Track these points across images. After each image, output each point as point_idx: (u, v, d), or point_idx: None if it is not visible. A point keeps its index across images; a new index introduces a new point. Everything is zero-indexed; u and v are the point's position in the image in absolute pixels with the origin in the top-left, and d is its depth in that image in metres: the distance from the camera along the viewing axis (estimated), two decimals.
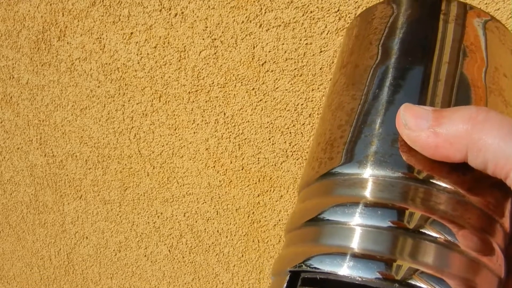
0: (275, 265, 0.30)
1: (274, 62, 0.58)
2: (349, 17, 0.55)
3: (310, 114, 0.58)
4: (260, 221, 0.63)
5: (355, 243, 0.25)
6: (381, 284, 0.24)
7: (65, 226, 0.75)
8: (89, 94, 0.67)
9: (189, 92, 0.62)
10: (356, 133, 0.29)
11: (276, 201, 0.62)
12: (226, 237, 0.65)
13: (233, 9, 0.58)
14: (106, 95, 0.66)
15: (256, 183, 0.62)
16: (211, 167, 0.64)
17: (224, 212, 0.65)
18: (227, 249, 0.66)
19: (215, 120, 0.62)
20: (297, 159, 0.60)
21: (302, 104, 0.58)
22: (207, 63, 0.61)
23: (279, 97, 0.59)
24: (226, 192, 0.64)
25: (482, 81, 0.30)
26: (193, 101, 0.62)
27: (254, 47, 0.59)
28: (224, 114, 0.61)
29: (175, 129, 0.64)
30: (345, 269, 0.25)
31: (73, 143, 0.70)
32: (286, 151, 0.60)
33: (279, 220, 0.63)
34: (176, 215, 0.67)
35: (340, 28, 0.56)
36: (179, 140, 0.64)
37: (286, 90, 0.58)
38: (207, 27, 0.60)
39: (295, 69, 0.58)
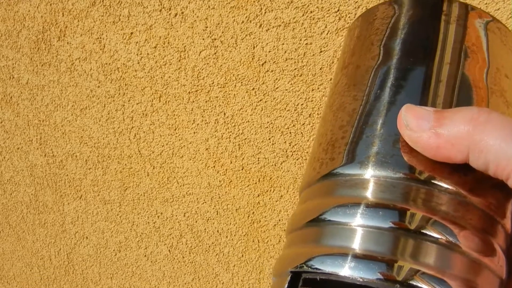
0: (276, 266, 0.30)
1: (274, 62, 0.58)
2: (349, 17, 0.55)
3: (310, 114, 0.58)
4: (260, 221, 0.63)
5: (356, 244, 0.25)
6: (382, 285, 0.24)
7: (65, 226, 0.75)
8: (89, 94, 0.67)
9: (189, 92, 0.62)
10: (357, 133, 0.29)
11: (276, 201, 0.62)
12: (226, 237, 0.65)
13: (233, 9, 0.58)
14: (106, 95, 0.66)
15: (256, 183, 0.62)
16: (211, 167, 0.64)
17: (224, 212, 0.65)
18: (227, 249, 0.66)
19: (215, 120, 0.62)
20: (297, 159, 0.60)
21: (302, 104, 0.58)
22: (207, 63, 0.61)
23: (279, 97, 0.59)
24: (226, 192, 0.64)
25: (484, 82, 0.30)
26: (193, 101, 0.62)
27: (254, 47, 0.59)
28: (224, 114, 0.61)
29: (175, 129, 0.64)
30: (346, 270, 0.25)
31: (73, 143, 0.70)
32: (286, 151, 0.60)
33: (279, 220, 0.63)
34: (176, 215, 0.67)
35: (340, 28, 0.56)
36: (179, 140, 0.64)
37: (286, 90, 0.58)
38: (207, 27, 0.60)
39: (295, 69, 0.58)
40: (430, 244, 0.25)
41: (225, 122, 0.62)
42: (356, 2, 0.55)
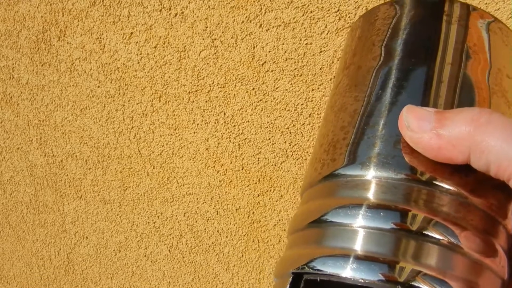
0: (277, 267, 0.30)
1: (274, 62, 0.58)
2: (349, 17, 0.55)
3: (310, 114, 0.58)
4: (260, 221, 0.63)
5: (358, 245, 0.25)
6: (384, 286, 0.24)
7: (65, 226, 0.75)
8: (89, 94, 0.67)
9: (189, 92, 0.62)
10: (358, 134, 0.29)
11: (276, 201, 0.62)
12: (226, 237, 0.65)
13: (233, 9, 0.58)
14: (106, 95, 0.66)
15: (256, 183, 0.62)
16: (211, 167, 0.64)
17: (224, 212, 0.65)
18: (227, 249, 0.66)
19: (215, 120, 0.62)
20: (297, 159, 0.60)
21: (302, 104, 0.58)
22: (207, 63, 0.61)
23: (279, 97, 0.59)
24: (226, 192, 0.64)
25: (485, 82, 0.30)
26: (193, 101, 0.62)
27: (254, 47, 0.59)
28: (224, 114, 0.61)
29: (175, 129, 0.64)
30: (348, 271, 0.25)
31: (73, 143, 0.70)
32: (286, 151, 0.60)
33: (279, 220, 0.63)
34: (176, 215, 0.67)
35: (340, 28, 0.56)
36: (179, 140, 0.64)
37: (286, 90, 0.58)
38: (207, 27, 0.60)
39: (295, 69, 0.58)
40: (431, 245, 0.25)
41: (225, 122, 0.62)
42: (356, 2, 0.55)
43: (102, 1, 0.63)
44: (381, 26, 0.34)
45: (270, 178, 0.61)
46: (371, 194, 0.27)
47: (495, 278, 0.26)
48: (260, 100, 0.60)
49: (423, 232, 0.25)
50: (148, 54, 0.63)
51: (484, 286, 0.25)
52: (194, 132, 0.63)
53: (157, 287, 0.72)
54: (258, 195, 0.63)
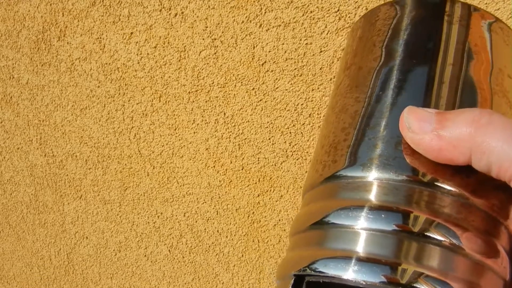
0: (279, 269, 0.30)
1: (274, 62, 0.58)
2: (349, 17, 0.55)
3: (310, 114, 0.58)
4: (260, 221, 0.63)
5: (360, 247, 0.25)
6: None
7: (65, 226, 0.75)
8: (89, 94, 0.67)
9: (189, 92, 0.62)
10: (359, 136, 0.29)
11: (276, 201, 0.62)
12: (226, 237, 0.65)
13: (233, 9, 0.58)
14: (106, 95, 0.66)
15: (256, 183, 0.62)
16: (211, 167, 0.64)
17: (224, 212, 0.65)
18: (227, 249, 0.66)
19: (215, 120, 0.62)
20: (297, 159, 0.60)
21: (302, 104, 0.58)
22: (207, 63, 0.61)
23: (279, 97, 0.59)
24: (226, 192, 0.64)
25: (487, 82, 0.30)
26: (193, 101, 0.62)
27: (254, 47, 0.59)
28: (224, 114, 0.61)
29: (175, 129, 0.64)
30: (349, 273, 0.25)
31: (73, 143, 0.70)
32: (286, 151, 0.60)
33: (279, 220, 0.63)
34: (176, 215, 0.67)
35: (340, 28, 0.56)
36: (179, 140, 0.64)
37: (286, 90, 0.58)
38: (207, 27, 0.60)
39: (295, 69, 0.58)
40: (433, 247, 0.25)
41: (225, 122, 0.62)
42: (356, 2, 0.55)
43: (102, 1, 0.63)
44: (382, 27, 0.34)
45: (270, 178, 0.61)
46: (372, 196, 0.27)
47: (497, 279, 0.26)
48: (260, 100, 0.60)
49: (425, 233, 0.25)
50: (148, 54, 0.63)
51: (486, 287, 0.25)
52: (194, 132, 0.63)
53: (157, 287, 0.72)
54: (258, 195, 0.63)
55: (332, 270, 0.25)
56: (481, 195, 0.26)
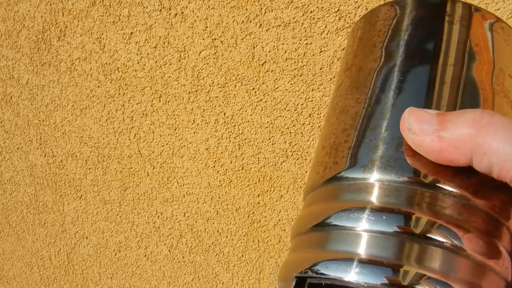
0: (281, 270, 0.30)
1: (274, 62, 0.58)
2: (349, 17, 0.55)
3: (310, 114, 0.58)
4: (260, 221, 0.63)
5: (361, 249, 0.25)
6: None
7: (65, 226, 0.75)
8: (89, 94, 0.67)
9: (189, 92, 0.62)
10: (360, 137, 0.29)
11: (276, 201, 0.62)
12: (226, 237, 0.65)
13: (233, 9, 0.58)
14: (106, 95, 0.66)
15: (256, 183, 0.62)
16: (211, 167, 0.64)
17: (224, 212, 0.65)
18: (227, 249, 0.66)
19: (215, 120, 0.62)
20: (297, 159, 0.60)
21: (302, 104, 0.58)
22: (207, 63, 0.61)
23: (279, 97, 0.59)
24: (226, 192, 0.64)
25: (488, 82, 0.30)
26: (193, 101, 0.62)
27: (254, 47, 0.59)
28: (224, 114, 0.61)
29: (175, 129, 0.64)
30: (351, 275, 0.25)
31: (73, 143, 0.70)
32: (286, 151, 0.60)
33: (279, 220, 0.63)
34: (176, 215, 0.67)
35: (340, 28, 0.56)
36: (179, 140, 0.64)
37: (286, 90, 0.58)
38: (207, 27, 0.60)
39: (295, 69, 0.58)
40: (435, 248, 0.25)
41: (225, 122, 0.62)
42: (356, 2, 0.55)
43: (102, 1, 0.63)
44: (382, 27, 0.34)
45: (270, 178, 0.61)
46: (374, 198, 0.27)
47: (499, 280, 0.26)
48: (260, 100, 0.60)
49: (427, 235, 0.25)
50: (148, 54, 0.63)
51: (488, 287, 0.25)
52: (194, 132, 0.63)
53: (157, 287, 0.72)
54: (258, 195, 0.63)
55: (333, 272, 0.25)
56: (483, 196, 0.26)
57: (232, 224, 0.65)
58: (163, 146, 0.65)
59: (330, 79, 0.57)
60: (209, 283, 0.68)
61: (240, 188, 0.63)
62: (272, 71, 0.58)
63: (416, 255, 0.25)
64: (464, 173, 0.26)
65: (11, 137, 0.73)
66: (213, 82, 0.61)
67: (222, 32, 0.59)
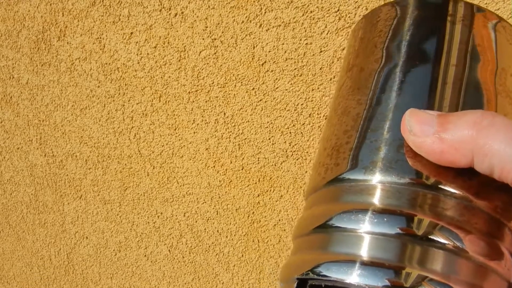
0: (283, 272, 0.30)
1: (274, 62, 0.58)
2: (349, 17, 0.55)
3: (310, 114, 0.58)
4: (260, 221, 0.63)
5: (363, 251, 0.25)
6: None
7: (65, 226, 0.74)
8: (89, 94, 0.67)
9: (189, 92, 0.62)
10: (362, 138, 0.29)
11: (276, 201, 0.62)
12: (226, 237, 0.65)
13: (233, 9, 0.58)
14: (106, 95, 0.66)
15: (256, 183, 0.62)
16: (211, 167, 0.64)
17: (224, 212, 0.65)
18: (227, 249, 0.66)
19: (215, 120, 0.62)
20: (297, 159, 0.60)
21: (302, 104, 0.58)
22: (207, 63, 0.61)
23: (279, 97, 0.59)
24: (226, 192, 0.64)
25: (490, 82, 0.30)
26: (193, 101, 0.62)
27: (254, 47, 0.59)
28: (224, 114, 0.61)
29: (175, 129, 0.64)
30: (353, 277, 0.25)
31: (73, 143, 0.70)
32: (286, 151, 0.60)
33: (279, 220, 0.63)
34: (176, 215, 0.67)
35: (340, 28, 0.55)
36: (179, 140, 0.64)
37: (286, 90, 0.58)
38: (207, 27, 0.60)
39: (295, 69, 0.58)
40: (437, 250, 0.25)
41: (225, 122, 0.62)
42: (356, 2, 0.55)
43: (102, 1, 0.63)
44: (383, 28, 0.33)
45: (270, 178, 0.61)
46: (375, 199, 0.27)
47: (501, 281, 0.26)
48: (260, 100, 0.60)
49: (429, 236, 0.25)
50: (148, 54, 0.63)
51: None
52: (194, 132, 0.63)
53: (157, 287, 0.71)
54: (258, 195, 0.62)
55: (335, 274, 0.25)
56: (484, 197, 0.26)
57: (232, 224, 0.65)
58: (163, 146, 0.65)
59: (330, 79, 0.57)
60: (209, 283, 0.68)
61: (240, 188, 0.63)
62: (272, 71, 0.58)
63: (418, 257, 0.25)
64: (466, 175, 0.26)
65: (11, 137, 0.73)
66: (213, 82, 0.61)
67: (222, 32, 0.59)
